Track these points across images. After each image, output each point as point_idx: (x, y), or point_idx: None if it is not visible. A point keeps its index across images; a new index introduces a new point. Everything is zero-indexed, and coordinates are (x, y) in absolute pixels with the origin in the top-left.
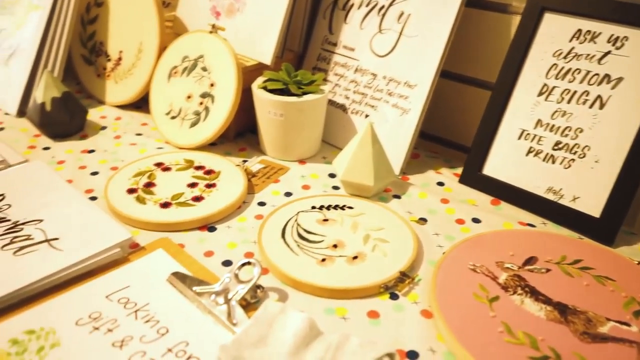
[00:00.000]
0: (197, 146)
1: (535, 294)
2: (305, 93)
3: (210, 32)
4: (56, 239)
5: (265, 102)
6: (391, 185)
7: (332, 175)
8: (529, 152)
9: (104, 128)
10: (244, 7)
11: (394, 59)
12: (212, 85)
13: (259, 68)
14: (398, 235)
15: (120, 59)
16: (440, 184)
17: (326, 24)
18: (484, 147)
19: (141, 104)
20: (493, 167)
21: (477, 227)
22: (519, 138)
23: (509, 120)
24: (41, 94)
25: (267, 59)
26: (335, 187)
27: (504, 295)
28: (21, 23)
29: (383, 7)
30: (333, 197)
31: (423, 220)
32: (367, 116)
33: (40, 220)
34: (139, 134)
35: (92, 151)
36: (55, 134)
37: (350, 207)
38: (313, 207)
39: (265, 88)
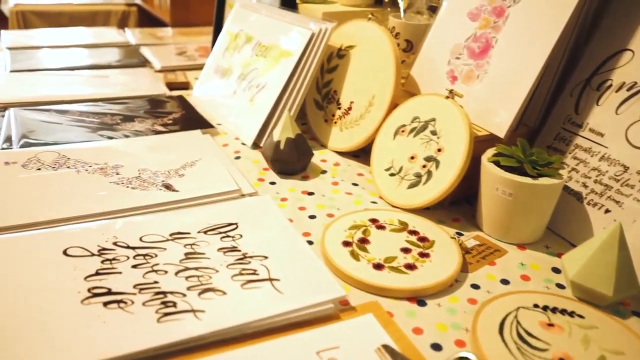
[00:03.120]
0: (411, 208)
1: None
2: (539, 174)
3: (447, 97)
4: (277, 279)
5: (495, 178)
6: (630, 299)
7: (555, 270)
8: None
9: (324, 172)
10: (484, 76)
11: None
12: (439, 150)
13: (490, 139)
14: None
15: (350, 108)
16: None
17: (572, 103)
18: None
19: (359, 153)
20: None
21: None
22: None
23: None
24: (278, 133)
25: (502, 132)
26: (560, 286)
27: None
28: (272, 65)
29: None
30: (558, 298)
31: None
32: (607, 211)
33: (266, 257)
34: (355, 184)
35: (311, 193)
36: (281, 171)
37: (580, 316)
38: (536, 306)
39: (496, 162)
